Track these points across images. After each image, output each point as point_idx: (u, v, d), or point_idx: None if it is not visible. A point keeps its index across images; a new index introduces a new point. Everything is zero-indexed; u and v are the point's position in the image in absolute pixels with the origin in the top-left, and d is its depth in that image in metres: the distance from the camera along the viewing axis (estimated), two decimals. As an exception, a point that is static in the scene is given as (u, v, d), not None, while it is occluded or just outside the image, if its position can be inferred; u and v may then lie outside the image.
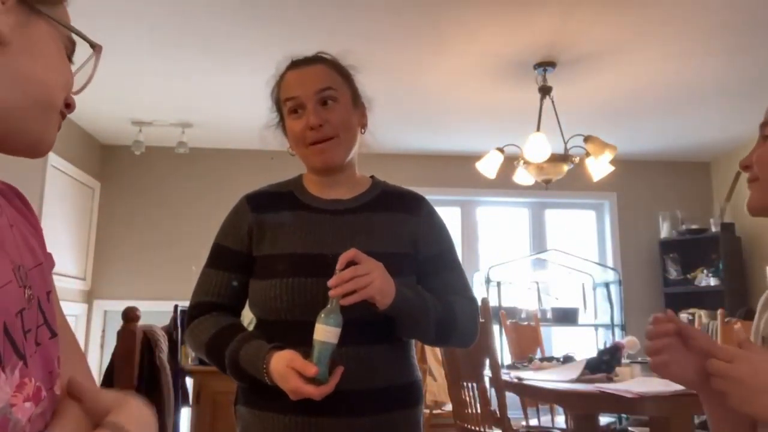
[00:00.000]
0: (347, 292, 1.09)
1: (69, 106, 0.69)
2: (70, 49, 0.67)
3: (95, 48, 0.68)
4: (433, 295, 1.23)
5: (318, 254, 1.22)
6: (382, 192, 1.35)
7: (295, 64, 1.32)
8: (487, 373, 2.67)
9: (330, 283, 1.09)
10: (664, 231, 5.22)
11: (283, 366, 1.11)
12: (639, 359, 3.14)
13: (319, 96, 1.25)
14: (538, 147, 3.34)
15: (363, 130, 1.35)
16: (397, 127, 4.59)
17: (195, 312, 1.28)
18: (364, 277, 1.09)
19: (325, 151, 1.26)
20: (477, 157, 3.82)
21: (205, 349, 1.24)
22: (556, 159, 3.48)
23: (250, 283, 1.27)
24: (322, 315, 1.09)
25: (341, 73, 1.32)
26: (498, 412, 2.59)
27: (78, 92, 0.69)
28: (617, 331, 5.02)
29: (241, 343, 1.19)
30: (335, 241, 1.23)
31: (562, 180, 3.78)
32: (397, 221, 1.30)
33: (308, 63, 1.31)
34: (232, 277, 1.28)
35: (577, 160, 3.58)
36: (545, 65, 3.47)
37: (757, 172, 0.92)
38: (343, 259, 1.11)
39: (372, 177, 1.39)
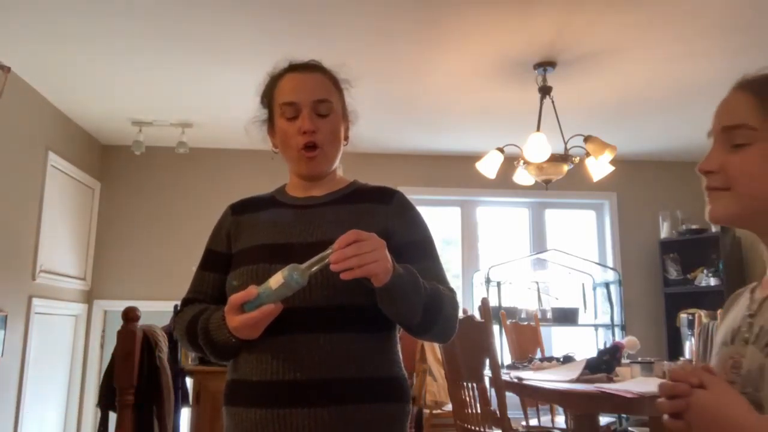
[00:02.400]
0: (348, 268, 1.06)
1: None
2: None
3: (3, 69, 0.75)
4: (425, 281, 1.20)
5: (284, 243, 1.25)
6: (356, 189, 1.38)
7: (294, 68, 1.35)
8: (487, 373, 2.67)
9: (331, 258, 1.06)
10: (664, 231, 5.22)
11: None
12: (639, 359, 3.14)
13: (315, 106, 1.29)
14: (538, 147, 3.34)
15: (346, 142, 1.39)
16: (397, 127, 4.59)
17: (180, 308, 1.34)
18: (370, 254, 1.07)
19: (312, 160, 1.30)
20: (477, 157, 3.82)
21: (186, 332, 1.26)
22: (556, 159, 3.48)
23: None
24: (287, 270, 1.09)
25: (336, 86, 1.36)
26: (498, 412, 2.59)
27: None
28: (617, 331, 5.02)
29: (213, 312, 1.23)
30: (301, 230, 1.27)
31: (562, 180, 3.79)
32: (366, 211, 1.30)
33: (307, 69, 1.34)
34: (216, 277, 1.32)
35: (577, 160, 3.58)
36: (545, 65, 3.47)
37: (728, 182, 0.88)
38: (343, 240, 1.07)
39: (354, 181, 1.41)
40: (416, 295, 1.16)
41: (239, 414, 1.20)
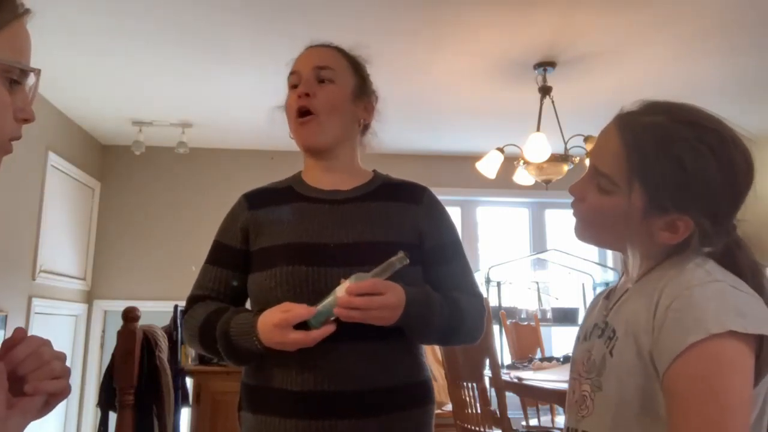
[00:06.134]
0: (349, 320, 1.08)
1: (26, 120, 0.74)
2: (15, 72, 0.70)
3: (35, 72, 0.73)
4: (441, 297, 1.19)
5: (318, 243, 1.19)
6: (384, 183, 1.33)
7: (309, 47, 1.34)
8: (487, 373, 2.67)
9: (339, 302, 1.06)
10: (664, 231, 5.21)
11: (273, 309, 1.10)
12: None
13: (316, 72, 1.25)
14: (538, 147, 3.34)
15: (362, 126, 1.34)
16: (397, 127, 4.58)
17: (188, 305, 1.28)
18: (375, 311, 1.07)
19: (305, 126, 1.24)
20: (477, 157, 3.82)
21: (198, 333, 1.20)
22: (556, 159, 3.48)
23: (248, 279, 1.24)
24: (354, 277, 1.08)
25: (352, 62, 1.32)
26: (498, 412, 2.59)
27: (26, 117, 0.73)
28: (617, 331, 5.01)
29: (233, 315, 1.17)
30: (335, 230, 1.20)
31: (562, 180, 3.78)
32: (399, 210, 1.26)
33: (320, 45, 1.33)
34: (228, 273, 1.26)
35: (577, 160, 3.58)
36: (545, 65, 3.47)
37: (582, 215, 1.00)
38: (359, 288, 1.07)
39: (374, 171, 1.37)
40: (428, 329, 1.16)
41: (272, 424, 1.14)
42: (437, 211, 1.31)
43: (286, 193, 1.30)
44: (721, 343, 0.79)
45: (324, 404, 1.11)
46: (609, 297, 1.03)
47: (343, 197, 1.26)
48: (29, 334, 0.71)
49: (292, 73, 1.29)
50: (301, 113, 1.24)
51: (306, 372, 1.12)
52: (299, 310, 1.08)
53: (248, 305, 1.29)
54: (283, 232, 1.22)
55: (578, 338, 1.06)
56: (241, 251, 1.26)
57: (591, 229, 1.00)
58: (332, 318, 1.09)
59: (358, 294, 1.06)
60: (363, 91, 1.32)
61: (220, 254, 1.29)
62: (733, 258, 0.91)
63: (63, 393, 0.71)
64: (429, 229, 1.26)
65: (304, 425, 1.11)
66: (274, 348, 1.11)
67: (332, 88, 1.25)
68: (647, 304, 0.88)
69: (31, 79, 0.73)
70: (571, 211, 1.04)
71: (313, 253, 1.17)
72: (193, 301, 1.27)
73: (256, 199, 1.31)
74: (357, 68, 1.33)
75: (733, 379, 0.78)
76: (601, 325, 0.97)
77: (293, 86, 1.28)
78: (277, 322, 1.08)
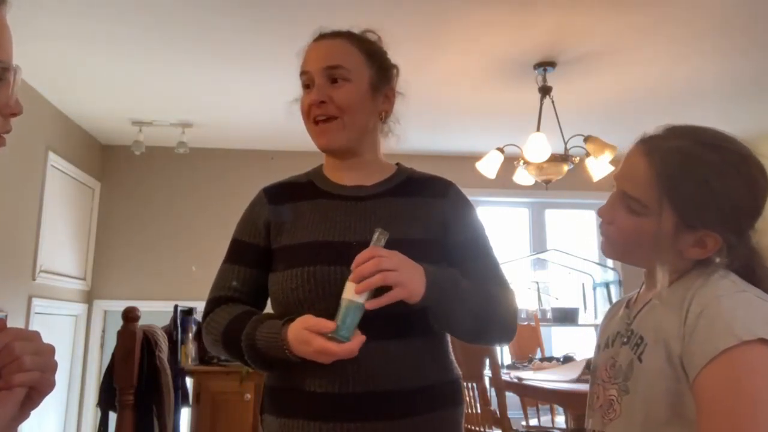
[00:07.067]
0: (372, 287, 1.00)
1: (14, 114, 0.76)
2: None
3: (14, 68, 0.73)
4: (471, 282, 1.13)
5: (341, 242, 1.14)
6: (408, 178, 1.29)
7: (318, 37, 1.26)
8: (487, 373, 2.67)
9: (351, 278, 1.01)
10: (664, 231, 5.21)
11: (300, 329, 1.04)
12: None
13: (328, 73, 1.18)
14: (538, 147, 3.34)
15: (383, 117, 1.30)
16: (397, 127, 4.58)
17: (210, 307, 1.21)
18: (391, 274, 1.00)
19: (325, 132, 1.19)
20: (477, 157, 3.82)
21: (222, 339, 1.14)
22: (556, 159, 3.48)
23: (269, 278, 1.19)
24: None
25: (366, 51, 1.25)
26: (498, 412, 2.59)
27: (13, 111, 0.75)
28: (617, 331, 5.01)
29: (257, 324, 1.11)
30: (358, 228, 1.15)
31: (562, 180, 3.78)
32: (424, 205, 1.22)
33: (330, 36, 1.25)
34: (251, 272, 1.20)
35: (577, 160, 3.58)
36: (545, 65, 3.47)
37: (615, 236, 1.03)
38: (360, 259, 1.01)
39: (398, 164, 1.32)
40: (459, 306, 1.10)
41: (296, 426, 1.09)
42: (463, 206, 1.27)
43: (308, 189, 1.24)
44: (751, 349, 0.84)
45: (350, 406, 1.07)
46: (629, 306, 1.08)
47: (366, 194, 1.22)
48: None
49: (302, 73, 1.22)
50: (318, 119, 1.19)
51: (332, 373, 1.07)
52: (329, 345, 1.02)
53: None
54: (305, 230, 1.17)
55: (599, 346, 1.10)
56: (262, 248, 1.20)
57: (620, 248, 1.05)
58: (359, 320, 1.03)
59: (363, 262, 1.02)
60: (382, 80, 1.28)
61: (241, 252, 1.22)
62: (751, 267, 0.96)
63: (42, 386, 0.70)
64: (455, 223, 1.23)
65: (329, 428, 1.06)
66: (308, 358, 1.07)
67: (348, 88, 1.19)
68: (677, 312, 0.93)
69: (11, 74, 0.73)
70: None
71: (337, 252, 1.12)
72: (214, 303, 1.21)
73: (276, 194, 1.25)
74: (372, 56, 1.26)
75: (764, 382, 0.84)
76: (625, 333, 1.02)
77: (306, 86, 1.22)
78: (315, 347, 1.03)
